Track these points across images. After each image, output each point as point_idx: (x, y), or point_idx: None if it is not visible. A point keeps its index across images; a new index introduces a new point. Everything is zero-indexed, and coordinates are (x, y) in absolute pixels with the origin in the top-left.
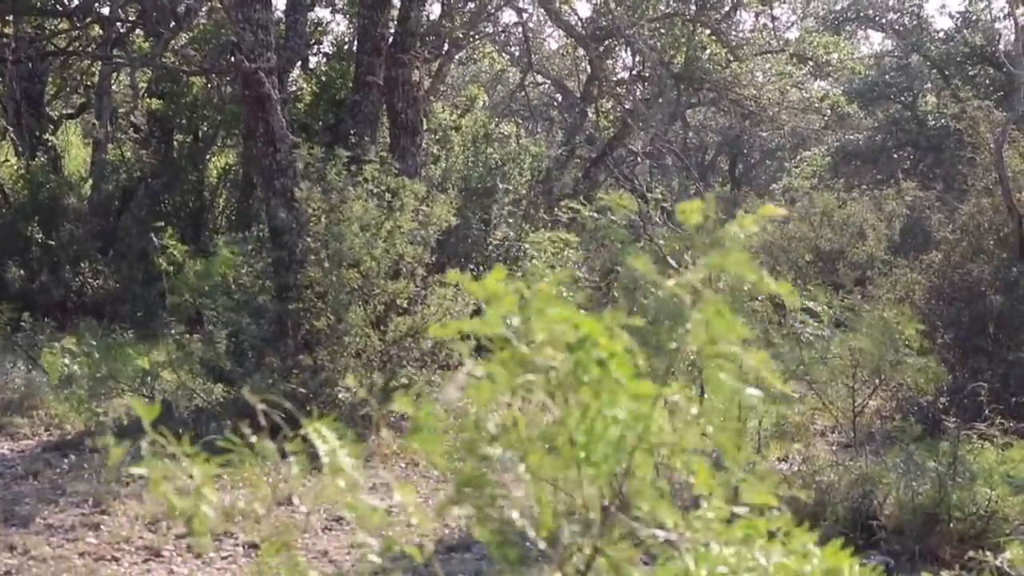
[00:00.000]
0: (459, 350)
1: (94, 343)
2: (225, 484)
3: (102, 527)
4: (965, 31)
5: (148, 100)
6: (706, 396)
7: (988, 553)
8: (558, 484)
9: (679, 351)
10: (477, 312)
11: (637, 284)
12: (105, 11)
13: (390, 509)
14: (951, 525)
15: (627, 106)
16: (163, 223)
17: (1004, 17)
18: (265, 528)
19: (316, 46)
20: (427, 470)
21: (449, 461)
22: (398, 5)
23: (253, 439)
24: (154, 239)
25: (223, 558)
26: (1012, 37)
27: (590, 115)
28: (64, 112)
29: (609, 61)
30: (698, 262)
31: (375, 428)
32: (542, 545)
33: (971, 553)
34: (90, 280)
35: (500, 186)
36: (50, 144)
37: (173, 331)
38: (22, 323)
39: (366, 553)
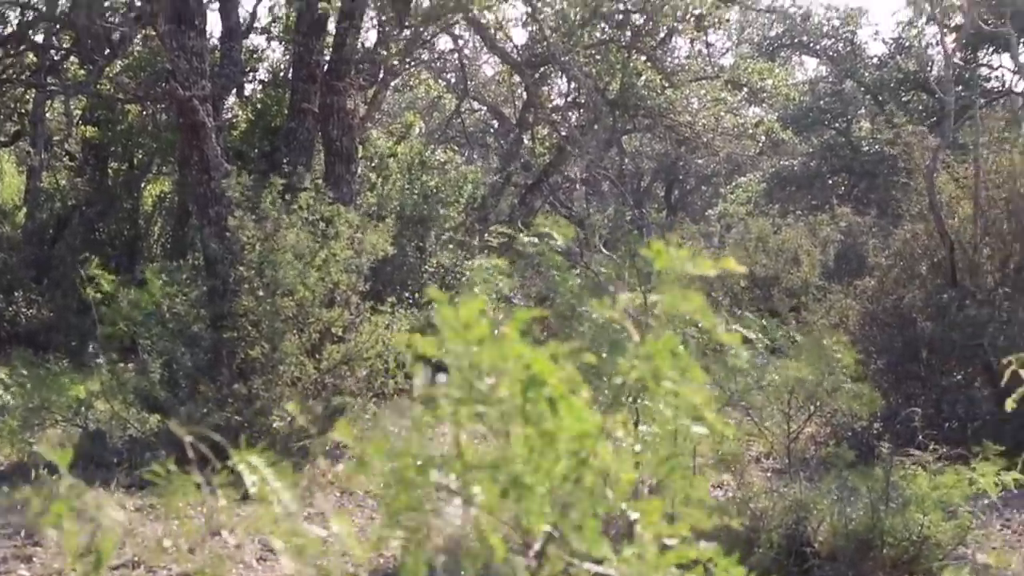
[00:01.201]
0: (414, 367)
1: (26, 373)
2: (159, 514)
3: (34, 559)
4: (898, 57)
5: (83, 128)
6: (641, 425)
7: None
8: (496, 515)
9: (624, 385)
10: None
11: (573, 311)
12: (39, 38)
13: (326, 539)
14: (884, 551)
15: (563, 133)
16: (92, 253)
17: (936, 44)
18: (199, 559)
19: (251, 73)
20: (363, 499)
21: (386, 490)
22: (333, 32)
23: (180, 469)
24: (80, 270)
25: None
26: (943, 64)
27: (526, 141)
28: None
29: (545, 88)
30: (654, 299)
31: (312, 457)
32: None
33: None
34: (23, 309)
35: (441, 212)
36: None
37: (105, 360)
38: None
39: None
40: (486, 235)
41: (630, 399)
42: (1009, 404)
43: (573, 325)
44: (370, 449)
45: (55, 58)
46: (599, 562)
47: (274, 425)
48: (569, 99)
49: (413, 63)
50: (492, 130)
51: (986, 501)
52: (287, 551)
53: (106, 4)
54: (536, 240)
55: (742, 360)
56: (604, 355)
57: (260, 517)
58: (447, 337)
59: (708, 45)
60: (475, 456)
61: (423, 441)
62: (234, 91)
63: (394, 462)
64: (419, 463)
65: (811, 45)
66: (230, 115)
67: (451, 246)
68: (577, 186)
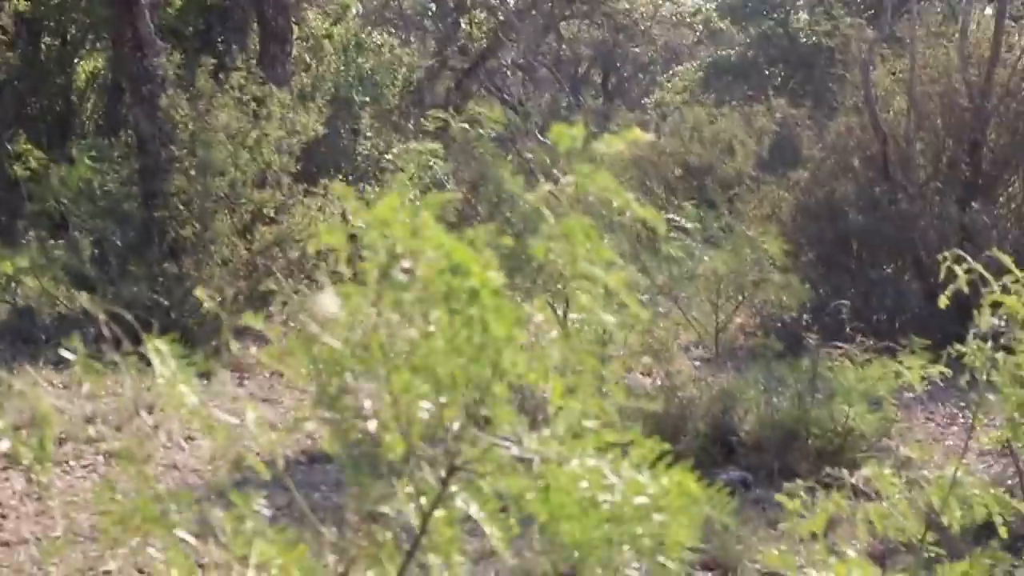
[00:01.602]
0: (337, 254)
1: None
2: (87, 392)
3: None
4: None
5: (15, 1)
6: (568, 312)
7: (844, 470)
8: (412, 399)
9: (542, 268)
10: (344, 220)
11: (502, 197)
12: None
13: (239, 425)
14: (809, 442)
15: (500, 17)
16: (23, 128)
17: None
18: (124, 438)
19: None
20: (291, 382)
21: (304, 377)
22: None
23: (96, 348)
24: (7, 145)
25: (83, 466)
26: None
27: (463, 25)
28: None
29: None
30: (564, 179)
31: (225, 341)
32: (409, 457)
33: (827, 469)
34: None
35: (357, 98)
36: None
37: (34, 237)
38: None
39: (219, 467)
40: (421, 119)
41: (555, 285)
42: (942, 302)
43: (503, 211)
44: (281, 335)
45: None
46: (517, 444)
47: (204, 305)
48: None
49: None
50: (430, 13)
51: (911, 394)
52: (208, 437)
53: None
54: (468, 126)
55: (662, 230)
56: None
57: (171, 403)
58: (363, 232)
59: None
60: (391, 343)
61: (341, 329)
62: None
63: (313, 349)
64: (338, 350)
65: None
66: None
67: (385, 129)
68: (513, 72)
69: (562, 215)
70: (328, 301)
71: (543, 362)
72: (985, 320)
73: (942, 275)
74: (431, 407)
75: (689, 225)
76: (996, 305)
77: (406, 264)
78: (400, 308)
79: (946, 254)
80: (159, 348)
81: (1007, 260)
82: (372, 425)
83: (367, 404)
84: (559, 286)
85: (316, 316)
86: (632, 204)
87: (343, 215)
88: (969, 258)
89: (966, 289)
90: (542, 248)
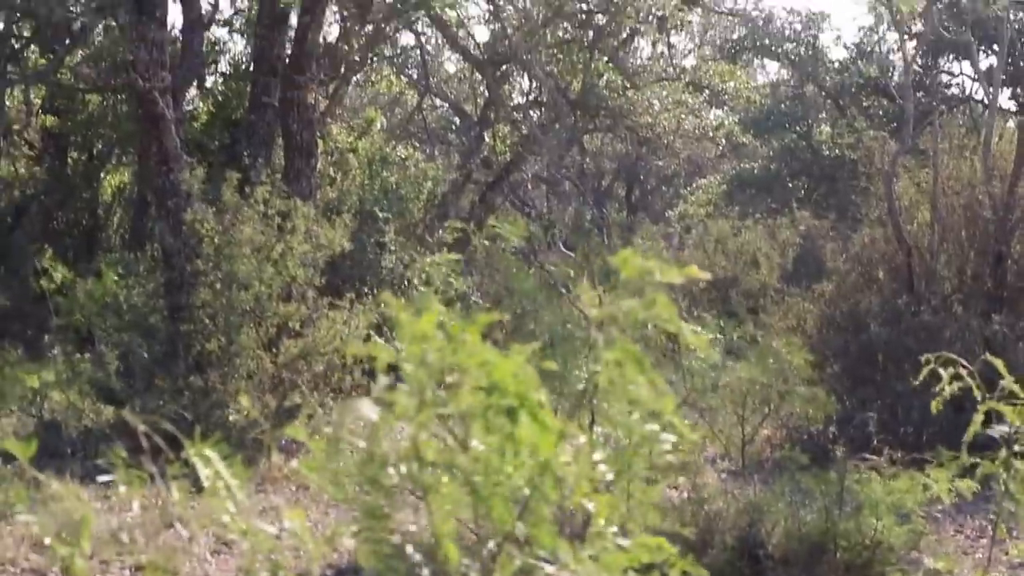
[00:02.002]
0: (378, 362)
1: None
2: (113, 506)
3: None
4: (859, 62)
5: (42, 117)
6: (596, 427)
7: None
8: (457, 517)
9: (585, 390)
10: (369, 336)
11: (527, 310)
12: None
13: (279, 534)
14: (837, 555)
15: (524, 131)
16: (50, 242)
17: (896, 50)
18: (153, 551)
19: (213, 65)
20: (317, 495)
21: (339, 489)
22: (295, 26)
23: (133, 460)
24: (35, 261)
25: None
26: (904, 70)
27: (487, 139)
28: None
29: (506, 86)
30: (620, 305)
31: (266, 451)
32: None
33: None
34: None
35: (380, 214)
36: None
37: (61, 351)
38: None
39: None
40: (441, 231)
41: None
42: (934, 407)
43: (528, 325)
44: (323, 448)
45: (15, 46)
46: (553, 563)
47: (230, 418)
48: (530, 98)
49: (375, 59)
50: (453, 127)
51: (940, 507)
52: (248, 544)
53: None
54: (488, 242)
55: (713, 359)
56: (561, 358)
57: (213, 510)
58: (405, 346)
59: (670, 47)
60: (434, 456)
61: (380, 441)
62: (195, 83)
63: (354, 461)
64: (378, 463)
65: (773, 48)
66: (191, 107)
67: (410, 243)
68: (532, 185)
69: (610, 340)
70: (367, 409)
71: (590, 480)
72: (974, 429)
73: (920, 378)
74: (471, 524)
75: (710, 337)
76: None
77: (448, 379)
78: (440, 422)
79: (928, 356)
80: (205, 453)
81: (999, 365)
82: (399, 539)
83: (402, 518)
84: (603, 406)
85: (355, 423)
86: (686, 333)
87: (375, 328)
88: (962, 361)
89: (948, 394)
90: (592, 372)
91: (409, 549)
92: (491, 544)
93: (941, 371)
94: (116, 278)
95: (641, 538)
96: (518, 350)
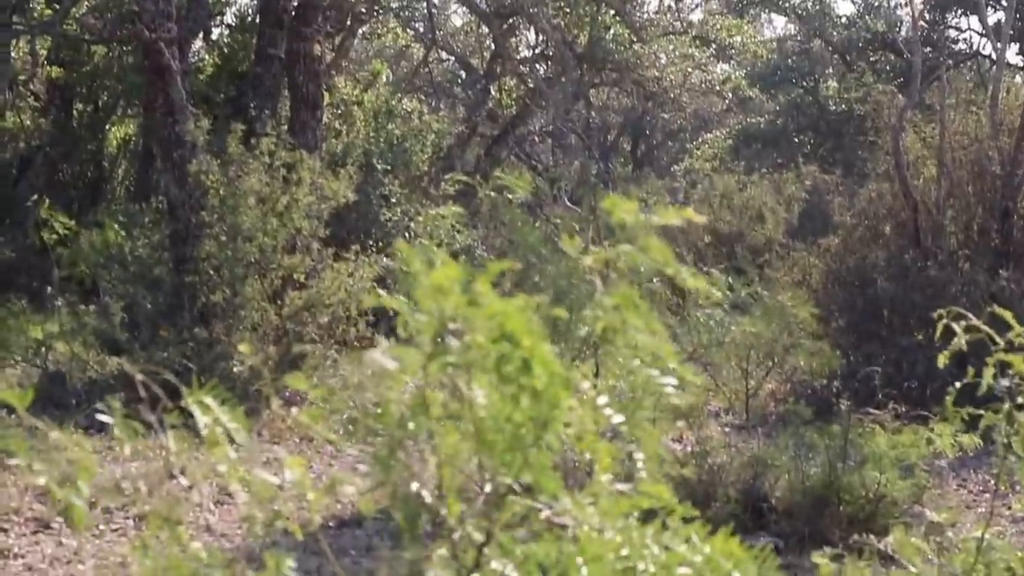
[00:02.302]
0: (397, 311)
1: None
2: (117, 456)
3: None
4: (867, 17)
5: (48, 68)
6: (601, 375)
7: (872, 536)
8: (457, 464)
9: (587, 337)
10: (374, 287)
11: (531, 263)
12: None
13: (281, 484)
14: (840, 508)
15: (530, 84)
16: (55, 194)
17: (904, 5)
18: (156, 501)
19: (219, 17)
20: (321, 446)
21: (344, 438)
22: None
23: (131, 409)
24: (39, 212)
25: (113, 530)
26: (911, 25)
27: (493, 92)
28: None
29: (512, 39)
30: (617, 248)
31: (265, 402)
32: (451, 521)
33: (856, 536)
34: None
35: (382, 166)
36: None
37: (65, 302)
38: None
39: (253, 527)
40: (445, 182)
41: (591, 350)
42: (941, 361)
43: (533, 277)
44: (334, 399)
45: None
46: (553, 508)
47: (234, 370)
48: (537, 51)
49: (380, 11)
50: (459, 80)
51: (943, 461)
52: (248, 495)
53: None
54: (495, 193)
55: (715, 299)
56: (567, 309)
57: (216, 459)
58: (420, 299)
59: (677, 0)
60: (440, 407)
61: (390, 392)
62: (201, 35)
63: (360, 410)
64: (388, 413)
65: (780, 3)
66: (196, 59)
67: (414, 195)
68: (539, 139)
69: (607, 284)
70: (381, 358)
71: (595, 428)
72: (988, 380)
73: (938, 334)
74: (475, 471)
75: (718, 292)
76: (1005, 365)
77: (455, 328)
78: (451, 372)
79: (941, 311)
80: (204, 400)
81: (1008, 316)
82: (416, 486)
83: (417, 466)
84: (594, 352)
85: (369, 371)
86: (684, 275)
87: (378, 280)
88: (971, 315)
89: (964, 348)
90: (591, 317)
91: (425, 494)
92: (489, 488)
93: (954, 325)
94: (119, 229)
95: (642, 484)
96: (525, 301)
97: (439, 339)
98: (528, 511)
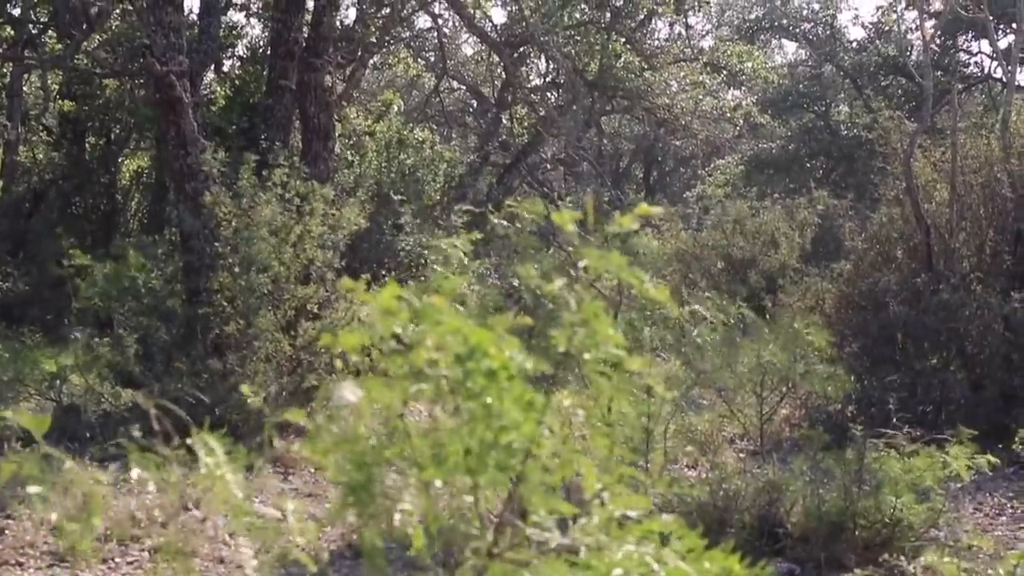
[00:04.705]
0: (350, 353)
1: (1, 346)
2: (131, 488)
3: (6, 532)
4: (877, 42)
5: (60, 102)
6: (595, 400)
7: (902, 559)
8: (452, 491)
9: (568, 355)
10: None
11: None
12: (16, 12)
13: (281, 520)
14: (856, 533)
15: (541, 113)
16: (69, 227)
17: (915, 29)
18: (171, 534)
19: (230, 49)
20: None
21: (339, 470)
22: (312, 9)
23: (146, 443)
24: (54, 245)
25: (129, 563)
26: (922, 49)
27: (504, 121)
28: None
29: (524, 68)
30: (580, 264)
31: (267, 436)
32: (426, 555)
33: (884, 556)
34: None
35: (396, 196)
36: None
37: (80, 335)
38: None
39: (264, 562)
40: (455, 214)
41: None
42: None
43: (541, 303)
44: (316, 431)
45: (32, 32)
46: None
47: (248, 401)
48: (548, 79)
49: (392, 41)
50: (471, 109)
51: (959, 484)
52: (249, 531)
53: None
54: (506, 222)
55: (702, 335)
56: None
57: (219, 496)
58: (374, 322)
59: (688, 27)
60: (417, 432)
61: (362, 420)
62: (212, 67)
63: (342, 442)
64: (368, 442)
65: (791, 29)
66: (208, 91)
67: (427, 224)
68: (551, 167)
69: (579, 298)
70: (347, 392)
71: (571, 448)
72: None
73: None
74: (469, 497)
75: (708, 315)
76: None
77: (432, 352)
78: (417, 395)
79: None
80: (208, 441)
81: None
82: (398, 518)
83: (398, 498)
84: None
85: (338, 406)
86: (643, 285)
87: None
88: None
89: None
90: (562, 336)
91: (403, 525)
92: (495, 513)
93: None
94: (136, 259)
95: (654, 521)
96: (498, 319)
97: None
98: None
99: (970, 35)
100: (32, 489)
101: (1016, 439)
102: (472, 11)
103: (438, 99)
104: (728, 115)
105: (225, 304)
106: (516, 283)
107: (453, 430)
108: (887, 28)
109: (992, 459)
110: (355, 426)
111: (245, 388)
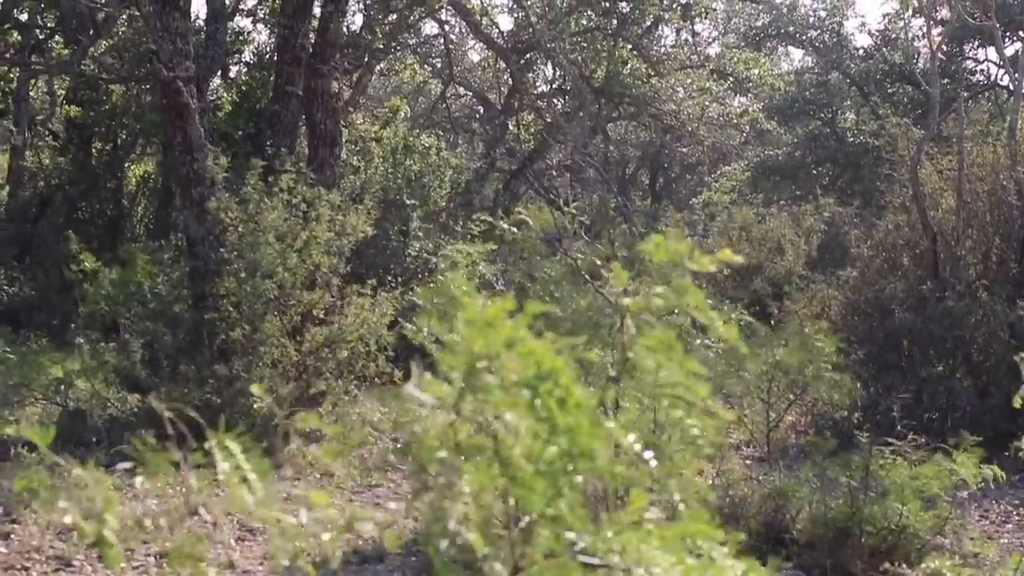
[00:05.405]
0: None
1: (8, 350)
2: (138, 493)
3: (12, 536)
4: (884, 49)
5: (66, 107)
6: (621, 408)
7: (904, 566)
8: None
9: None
10: (394, 323)
11: (554, 297)
12: (23, 17)
13: (302, 522)
14: (863, 540)
15: (548, 119)
16: (75, 232)
17: (922, 36)
18: (178, 538)
19: (236, 55)
20: (341, 482)
21: (363, 473)
22: (319, 15)
23: (158, 446)
24: (62, 249)
25: (134, 568)
26: (929, 56)
27: (511, 128)
28: None
29: (530, 74)
30: (651, 292)
31: (282, 439)
32: (486, 558)
33: (887, 565)
34: (5, 287)
35: (407, 201)
36: None
37: (86, 340)
38: None
39: (276, 565)
40: (468, 222)
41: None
42: (1016, 401)
43: (556, 310)
44: (351, 435)
45: (39, 37)
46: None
47: (254, 406)
48: (554, 86)
49: (398, 47)
50: (477, 116)
51: (965, 492)
52: (273, 533)
53: None
54: (515, 228)
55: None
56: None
57: (236, 499)
58: (468, 335)
59: (694, 34)
60: (471, 440)
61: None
62: (219, 73)
63: (390, 447)
64: (422, 447)
65: (797, 36)
66: (215, 97)
67: (433, 230)
68: (554, 173)
69: (641, 327)
70: (416, 391)
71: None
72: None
73: None
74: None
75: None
76: None
77: (483, 365)
78: (484, 407)
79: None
80: (226, 444)
81: None
82: (457, 524)
83: (450, 501)
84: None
85: (405, 404)
86: (716, 324)
87: (398, 316)
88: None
89: None
90: (624, 359)
91: (464, 531)
92: (523, 523)
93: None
94: (144, 264)
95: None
96: (559, 341)
97: (471, 375)
98: (559, 543)
99: (977, 43)
100: (42, 497)
101: (1018, 447)
102: (479, 18)
103: (444, 105)
104: (734, 122)
105: (231, 309)
106: (525, 287)
107: (518, 443)
108: (894, 36)
109: (998, 470)
110: (420, 430)
111: (256, 388)
